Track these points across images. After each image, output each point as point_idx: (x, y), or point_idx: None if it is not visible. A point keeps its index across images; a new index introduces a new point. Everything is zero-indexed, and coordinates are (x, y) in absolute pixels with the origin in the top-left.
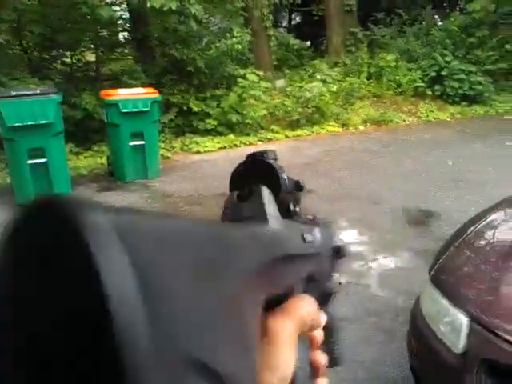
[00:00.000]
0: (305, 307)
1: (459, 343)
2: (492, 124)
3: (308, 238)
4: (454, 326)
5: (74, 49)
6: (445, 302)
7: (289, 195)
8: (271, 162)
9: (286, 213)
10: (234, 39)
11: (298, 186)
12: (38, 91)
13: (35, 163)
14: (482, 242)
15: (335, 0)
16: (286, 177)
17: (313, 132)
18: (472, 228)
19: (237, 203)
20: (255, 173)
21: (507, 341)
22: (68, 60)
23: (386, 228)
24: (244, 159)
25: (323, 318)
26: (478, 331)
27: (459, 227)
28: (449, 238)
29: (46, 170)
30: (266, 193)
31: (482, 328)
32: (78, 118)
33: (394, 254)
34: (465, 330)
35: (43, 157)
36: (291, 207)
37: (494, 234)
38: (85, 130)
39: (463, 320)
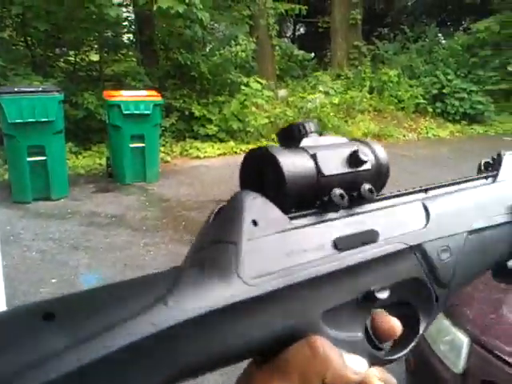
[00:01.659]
0: (318, 361)
1: (459, 363)
2: (491, 144)
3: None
4: (453, 345)
5: (78, 48)
6: (445, 322)
7: (336, 177)
8: (270, 148)
9: (340, 199)
10: (239, 47)
11: (355, 160)
12: (41, 89)
13: (35, 161)
14: None
15: (341, 13)
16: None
17: None
18: None
19: (206, 224)
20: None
21: (507, 362)
22: (71, 59)
23: None
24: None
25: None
26: (478, 352)
27: None
28: None
29: (45, 168)
30: (242, 202)
31: (482, 349)
32: (79, 118)
33: None
34: (465, 350)
35: (43, 155)
36: (363, 189)
37: None
38: (85, 130)
39: (463, 340)
